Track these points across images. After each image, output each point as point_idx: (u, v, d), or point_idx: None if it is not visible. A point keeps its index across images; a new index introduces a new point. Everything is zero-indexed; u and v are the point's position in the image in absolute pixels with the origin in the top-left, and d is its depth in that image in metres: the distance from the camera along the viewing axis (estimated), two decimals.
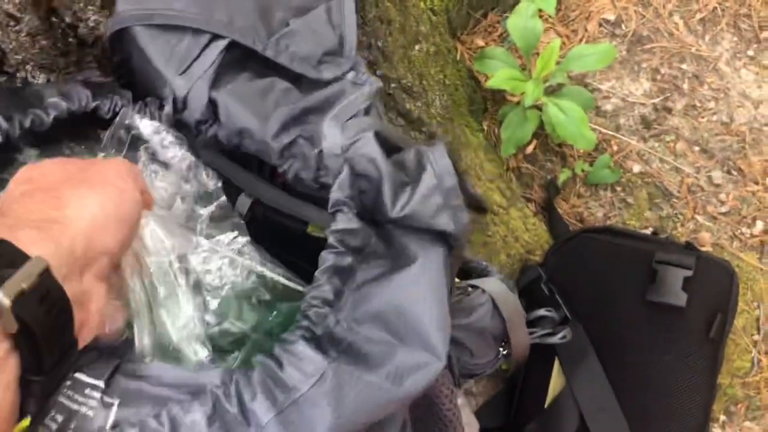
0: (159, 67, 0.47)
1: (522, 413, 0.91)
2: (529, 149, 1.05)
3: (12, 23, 0.50)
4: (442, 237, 0.42)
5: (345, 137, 0.42)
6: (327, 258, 0.40)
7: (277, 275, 0.43)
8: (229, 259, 0.41)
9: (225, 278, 0.40)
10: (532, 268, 0.93)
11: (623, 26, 1.14)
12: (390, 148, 0.42)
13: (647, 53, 1.12)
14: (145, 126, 0.46)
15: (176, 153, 0.44)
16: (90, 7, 0.51)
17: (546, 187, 1.03)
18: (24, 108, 0.45)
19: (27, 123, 0.45)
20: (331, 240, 0.40)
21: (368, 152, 0.41)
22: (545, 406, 0.88)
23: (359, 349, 0.37)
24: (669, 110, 1.09)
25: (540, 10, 0.99)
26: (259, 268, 0.42)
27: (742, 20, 1.13)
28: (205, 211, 0.43)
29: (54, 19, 0.51)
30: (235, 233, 0.43)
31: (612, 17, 1.14)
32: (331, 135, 0.42)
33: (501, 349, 0.66)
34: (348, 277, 0.40)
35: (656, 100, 1.09)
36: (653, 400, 0.82)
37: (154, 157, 0.45)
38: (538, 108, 0.99)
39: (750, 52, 1.12)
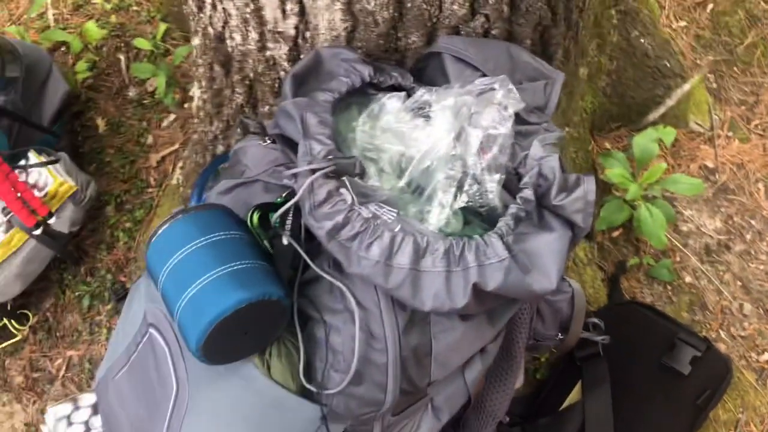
0: (450, 79, 0.83)
1: (540, 410, 1.21)
2: (615, 233, 1.38)
3: (372, 26, 0.86)
4: (572, 227, 0.75)
5: (542, 152, 0.76)
6: (512, 208, 0.73)
7: None
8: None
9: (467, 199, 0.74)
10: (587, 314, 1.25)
11: (717, 175, 1.46)
12: (563, 167, 0.76)
13: (728, 201, 1.43)
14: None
15: None
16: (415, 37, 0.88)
17: (617, 265, 1.35)
18: None
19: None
20: (517, 201, 0.74)
21: (552, 164, 0.75)
22: (559, 409, 1.19)
23: (516, 258, 0.70)
24: (729, 248, 1.39)
25: (660, 139, 1.33)
26: None
27: None
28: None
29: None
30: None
31: (711, 165, 1.46)
32: (535, 148, 0.76)
33: (560, 333, 0.98)
34: (517, 222, 0.73)
35: (722, 237, 1.40)
36: (640, 427, 1.12)
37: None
38: (633, 207, 1.31)
39: None
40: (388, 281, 0.68)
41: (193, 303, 0.67)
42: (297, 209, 0.72)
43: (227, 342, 0.67)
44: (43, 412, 1.31)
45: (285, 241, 0.71)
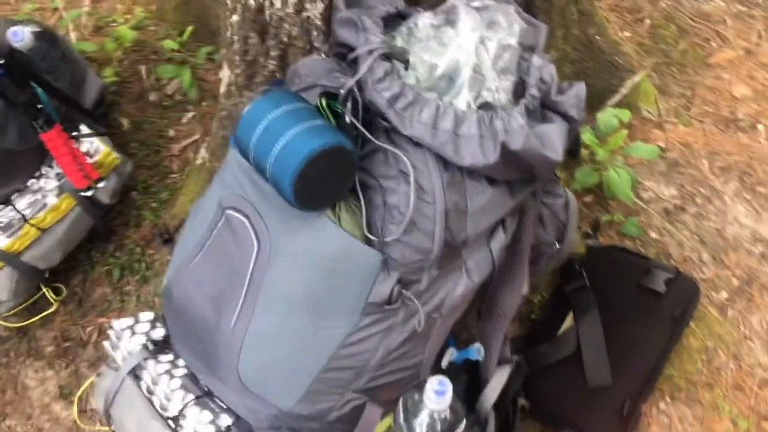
0: None
1: (538, 340, 1.36)
2: (587, 199, 1.58)
3: None
4: (568, 120, 0.95)
5: (542, 62, 0.96)
6: (523, 101, 0.93)
7: None
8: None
9: None
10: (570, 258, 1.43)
11: (668, 153, 1.70)
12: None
13: (679, 174, 1.67)
14: None
15: None
16: None
17: (592, 223, 1.55)
18: None
19: None
20: (526, 98, 0.93)
21: (550, 70, 0.95)
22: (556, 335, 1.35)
23: (533, 130, 0.89)
24: (684, 210, 1.61)
25: (618, 118, 1.57)
26: None
27: (748, 175, 1.68)
28: None
29: None
30: None
31: (663, 145, 1.70)
32: (536, 59, 0.96)
33: (557, 243, 1.16)
34: (527, 113, 0.92)
35: (677, 202, 1.62)
36: (627, 344, 1.28)
37: None
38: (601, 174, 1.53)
39: (747, 195, 1.65)
40: (435, 140, 0.85)
41: (281, 155, 0.82)
42: (354, 99, 0.90)
43: (312, 186, 0.83)
44: (77, 372, 1.39)
45: (348, 119, 0.88)
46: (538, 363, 1.32)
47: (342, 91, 0.87)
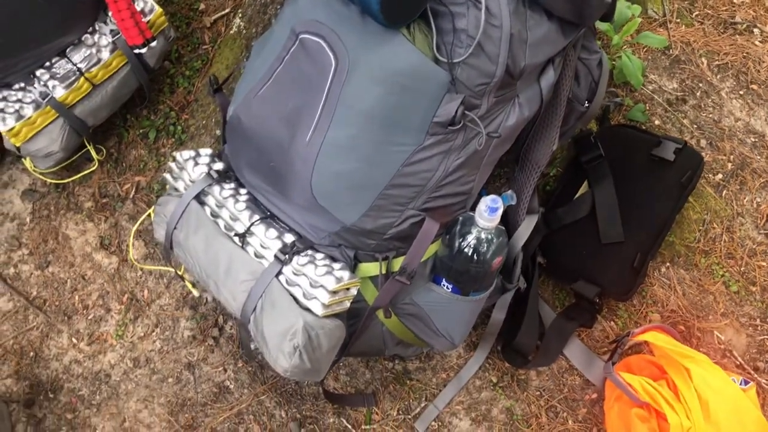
0: None
1: (556, 205, 1.47)
2: None
3: None
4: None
5: None
6: None
7: None
8: None
9: None
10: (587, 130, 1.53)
11: (671, 50, 1.80)
12: None
13: (680, 69, 1.78)
14: None
15: None
16: None
17: (603, 108, 1.65)
18: None
19: None
20: None
21: None
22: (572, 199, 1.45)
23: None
24: (685, 102, 1.73)
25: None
26: None
27: (743, 74, 1.80)
28: None
29: None
30: None
31: (667, 42, 1.81)
32: None
33: (587, 102, 1.25)
34: None
35: (678, 94, 1.73)
36: (638, 206, 1.39)
37: None
38: (614, 63, 1.62)
39: (741, 92, 1.78)
40: None
41: None
42: None
43: (396, 2, 0.89)
44: (116, 225, 1.44)
45: None
46: (555, 224, 1.43)
47: None
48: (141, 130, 1.52)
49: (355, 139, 0.97)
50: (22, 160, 1.40)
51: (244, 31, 1.51)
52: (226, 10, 1.64)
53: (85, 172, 1.46)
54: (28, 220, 1.44)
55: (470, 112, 0.99)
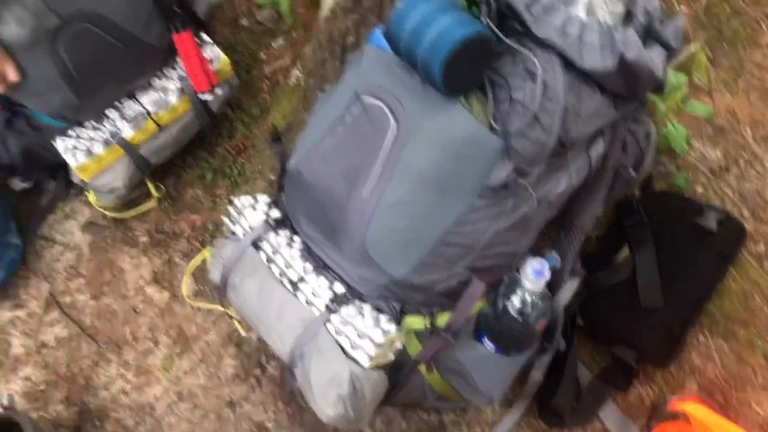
0: None
1: (597, 265, 1.49)
2: None
3: None
4: (666, 48, 1.07)
5: None
6: (632, 24, 1.05)
7: None
8: None
9: None
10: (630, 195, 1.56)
11: (715, 119, 1.83)
12: None
13: (724, 138, 1.80)
14: None
15: None
16: None
17: (647, 174, 1.67)
18: None
19: None
20: (633, 21, 1.06)
21: (654, 4, 1.08)
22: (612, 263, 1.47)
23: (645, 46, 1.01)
24: (728, 171, 1.75)
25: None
26: None
27: None
28: None
29: None
30: None
31: (712, 111, 1.83)
32: None
33: (633, 170, 1.28)
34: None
35: (722, 163, 1.75)
36: (680, 273, 1.41)
37: None
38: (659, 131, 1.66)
39: None
40: (564, 43, 0.98)
41: (435, 41, 0.94)
42: (488, 4, 1.02)
43: (458, 70, 0.95)
44: (170, 261, 1.51)
45: (483, 20, 1.00)
46: (595, 286, 1.45)
47: None
48: (199, 171, 1.59)
49: (410, 199, 1.02)
50: (86, 193, 1.48)
51: (303, 84, 1.58)
52: (286, 62, 1.72)
53: (144, 208, 1.53)
54: (86, 251, 1.51)
55: (522, 179, 1.03)
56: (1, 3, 1.09)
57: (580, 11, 1.04)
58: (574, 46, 0.98)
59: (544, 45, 0.99)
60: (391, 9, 1.36)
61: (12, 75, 1.16)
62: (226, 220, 1.21)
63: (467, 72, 0.97)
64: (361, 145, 1.05)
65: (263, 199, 1.22)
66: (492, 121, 1.00)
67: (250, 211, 1.19)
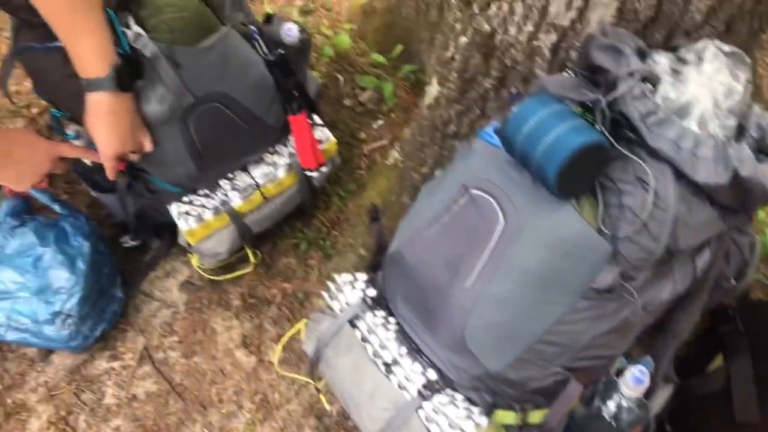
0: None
1: (689, 372, 1.45)
2: None
3: (633, 22, 1.24)
4: None
5: (759, 111, 1.09)
6: (745, 138, 1.06)
7: None
8: None
9: None
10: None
11: None
12: None
13: None
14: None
15: None
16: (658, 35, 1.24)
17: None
18: None
19: None
20: (746, 136, 1.06)
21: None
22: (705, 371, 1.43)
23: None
24: None
25: None
26: None
27: None
28: None
29: None
30: None
31: None
32: (756, 108, 1.10)
33: (735, 279, 1.26)
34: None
35: None
36: None
37: None
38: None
39: None
40: (678, 156, 0.99)
41: (550, 148, 0.97)
42: (603, 112, 1.04)
43: (572, 175, 0.97)
44: (260, 326, 1.55)
45: (598, 128, 1.03)
46: (685, 394, 1.40)
47: (602, 102, 1.02)
48: (293, 241, 1.65)
49: (513, 294, 1.03)
50: (189, 255, 1.55)
51: (400, 165, 1.64)
52: (384, 142, 1.78)
53: (240, 272, 1.59)
54: (182, 309, 1.58)
55: (627, 284, 1.03)
56: (147, 83, 1.19)
57: (692, 124, 1.06)
58: (688, 159, 0.99)
59: (657, 155, 1.01)
60: (497, 102, 1.42)
61: (147, 146, 1.26)
62: (324, 294, 1.25)
63: (581, 177, 0.99)
64: (466, 235, 1.08)
65: (362, 277, 1.26)
66: (601, 225, 1.02)
67: (349, 288, 1.23)
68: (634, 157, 1.01)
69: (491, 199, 1.06)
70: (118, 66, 1.12)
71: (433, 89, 1.56)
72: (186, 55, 1.21)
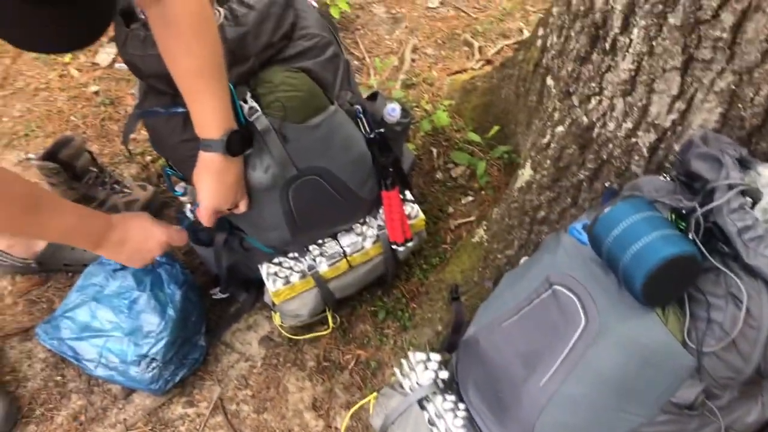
0: None
1: None
2: None
3: (738, 129, 1.21)
4: None
5: None
6: None
7: None
8: None
9: None
10: None
11: None
12: None
13: None
14: None
15: None
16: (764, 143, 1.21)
17: None
18: None
19: None
20: None
21: None
22: None
23: None
24: None
25: None
26: None
27: None
28: None
29: None
30: None
31: None
32: None
33: None
34: None
35: None
36: None
37: None
38: None
39: None
40: None
41: (638, 254, 0.96)
42: (698, 222, 1.02)
43: (659, 285, 0.95)
44: (331, 390, 1.57)
45: (691, 237, 1.01)
46: None
47: (697, 212, 1.00)
48: (372, 308, 1.68)
49: (587, 398, 1.01)
50: (272, 312, 1.61)
51: (486, 244, 1.64)
52: (471, 218, 1.80)
53: (317, 334, 1.63)
54: (259, 364, 1.62)
55: (710, 402, 0.99)
56: (256, 152, 1.27)
57: None
58: None
59: (752, 272, 0.97)
60: (589, 193, 1.41)
61: (243, 208, 1.33)
62: (396, 370, 1.26)
63: (669, 287, 0.97)
64: (546, 332, 1.07)
65: (435, 357, 1.26)
66: (686, 337, 0.99)
67: (422, 367, 1.24)
68: (728, 272, 0.98)
69: (574, 298, 1.05)
70: (231, 133, 1.21)
71: (525, 173, 1.57)
72: (294, 131, 1.28)
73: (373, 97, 1.56)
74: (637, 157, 1.33)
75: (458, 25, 2.42)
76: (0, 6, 0.72)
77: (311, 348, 1.64)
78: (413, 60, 2.28)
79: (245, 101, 1.25)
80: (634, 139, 1.32)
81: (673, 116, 1.24)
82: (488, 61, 2.23)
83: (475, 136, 1.84)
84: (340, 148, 1.35)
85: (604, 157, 1.37)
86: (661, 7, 1.13)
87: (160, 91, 1.27)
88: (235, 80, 1.25)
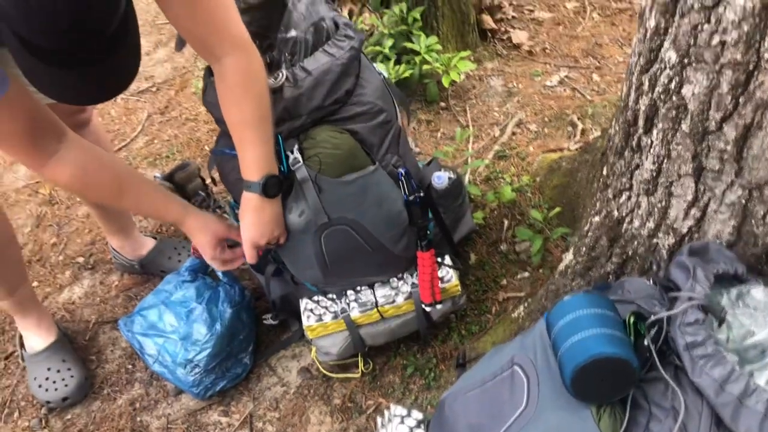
0: None
1: None
2: None
3: (751, 246, 1.16)
4: None
5: None
6: None
7: None
8: None
9: None
10: None
11: None
12: None
13: None
14: None
15: None
16: None
17: None
18: None
19: None
20: None
21: None
22: None
23: None
24: None
25: None
26: None
27: None
28: None
29: None
30: None
31: None
32: None
33: None
34: None
35: None
36: None
37: None
38: None
39: None
40: (717, 398, 0.92)
41: (574, 347, 0.98)
42: (660, 329, 1.01)
43: (589, 382, 0.96)
44: (345, 430, 1.66)
45: (645, 342, 1.00)
46: None
47: (652, 318, 1.00)
48: (404, 361, 1.75)
49: None
50: (311, 346, 1.75)
51: (520, 320, 1.66)
52: (521, 294, 1.82)
53: (348, 375, 1.74)
54: (292, 391, 1.76)
55: None
56: (293, 198, 1.44)
57: (767, 371, 0.97)
58: (729, 406, 0.91)
59: (697, 390, 0.94)
60: None
61: (281, 241, 1.50)
62: (378, 420, 1.34)
63: (599, 387, 0.97)
64: (494, 408, 1.10)
65: (416, 416, 1.32)
66: None
67: (398, 421, 1.30)
68: (674, 384, 0.96)
69: (525, 381, 1.08)
70: (269, 177, 1.38)
71: (568, 257, 1.58)
72: (328, 184, 1.43)
73: (429, 163, 1.67)
74: (657, 258, 1.31)
75: (570, 105, 2.45)
76: (34, 70, 0.93)
77: (341, 387, 1.75)
78: (514, 133, 2.35)
79: (291, 152, 1.42)
80: (655, 240, 1.30)
81: (690, 222, 1.22)
82: (586, 143, 2.24)
83: (537, 214, 1.87)
84: (372, 204, 1.48)
85: (629, 253, 1.36)
86: (674, 112, 1.14)
87: (229, 134, 1.49)
88: (287, 134, 1.43)
